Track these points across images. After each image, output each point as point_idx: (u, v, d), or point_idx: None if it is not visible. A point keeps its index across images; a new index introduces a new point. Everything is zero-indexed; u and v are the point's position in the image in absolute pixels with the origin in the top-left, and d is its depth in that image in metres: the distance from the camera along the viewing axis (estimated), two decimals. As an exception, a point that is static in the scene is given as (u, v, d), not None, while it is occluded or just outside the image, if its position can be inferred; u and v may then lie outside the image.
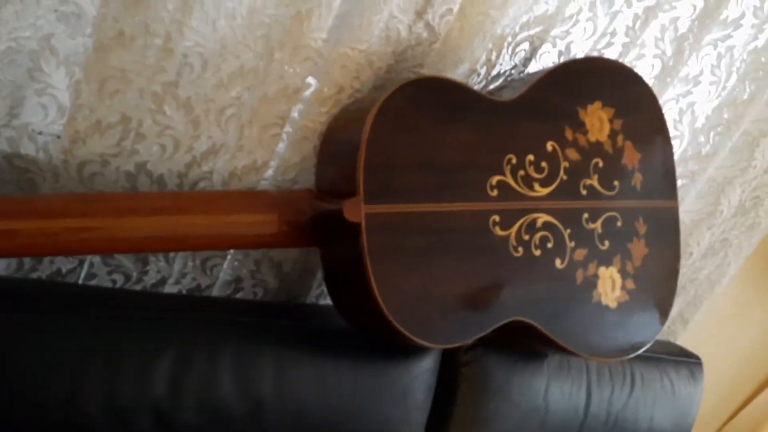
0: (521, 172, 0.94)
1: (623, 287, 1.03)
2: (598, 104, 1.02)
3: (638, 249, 1.05)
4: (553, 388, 1.11)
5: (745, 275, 1.48)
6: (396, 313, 0.83)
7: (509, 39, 1.03)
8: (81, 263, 0.92)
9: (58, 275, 0.91)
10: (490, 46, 1.01)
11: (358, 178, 0.82)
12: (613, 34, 1.11)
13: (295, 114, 0.91)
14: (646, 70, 1.14)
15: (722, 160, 1.28)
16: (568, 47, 1.09)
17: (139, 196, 0.84)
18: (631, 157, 1.05)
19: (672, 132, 1.15)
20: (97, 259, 0.92)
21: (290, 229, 0.86)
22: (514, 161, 0.93)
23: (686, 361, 1.29)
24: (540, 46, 1.07)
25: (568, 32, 1.06)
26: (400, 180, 0.85)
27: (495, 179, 0.92)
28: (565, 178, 0.98)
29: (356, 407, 0.93)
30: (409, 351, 0.99)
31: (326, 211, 0.84)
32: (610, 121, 1.03)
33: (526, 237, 0.93)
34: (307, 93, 0.90)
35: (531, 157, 0.95)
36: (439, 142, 0.88)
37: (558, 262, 0.96)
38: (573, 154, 0.99)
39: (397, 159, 0.85)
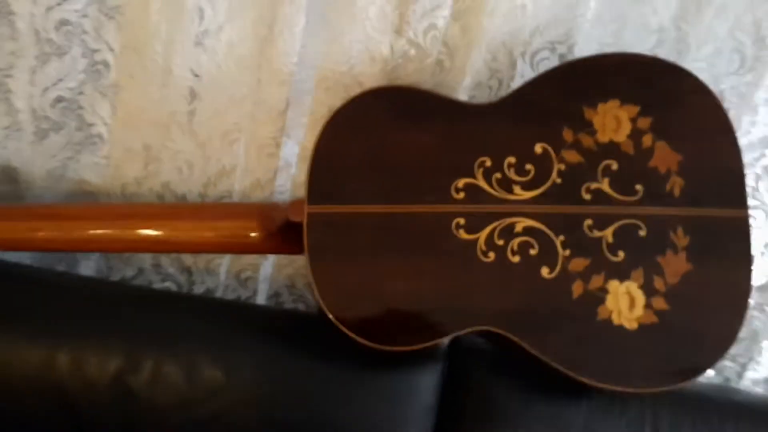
0: (497, 175, 0.90)
1: (649, 306, 0.88)
2: (614, 102, 0.93)
3: (674, 264, 0.90)
4: (596, 427, 0.97)
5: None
6: (336, 310, 0.85)
7: (520, 48, 1.00)
8: (141, 271, 1.12)
9: (125, 279, 1.12)
10: (490, 57, 1.00)
11: (306, 181, 0.89)
12: (662, 29, 1.00)
13: (288, 135, 1.01)
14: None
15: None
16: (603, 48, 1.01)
17: (139, 205, 1.02)
18: (664, 159, 0.92)
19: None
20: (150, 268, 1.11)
21: (268, 235, 0.95)
22: (488, 164, 0.90)
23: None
24: (567, 53, 1.01)
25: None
26: (348, 182, 0.89)
27: (462, 182, 0.90)
28: (558, 181, 0.90)
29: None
30: (405, 367, 0.97)
31: (286, 217, 0.92)
32: (633, 120, 0.92)
33: (500, 242, 0.88)
34: (292, 114, 0.99)
35: (511, 159, 0.91)
36: (396, 147, 0.90)
37: (545, 271, 0.88)
38: (572, 156, 0.91)
39: (347, 163, 0.89)
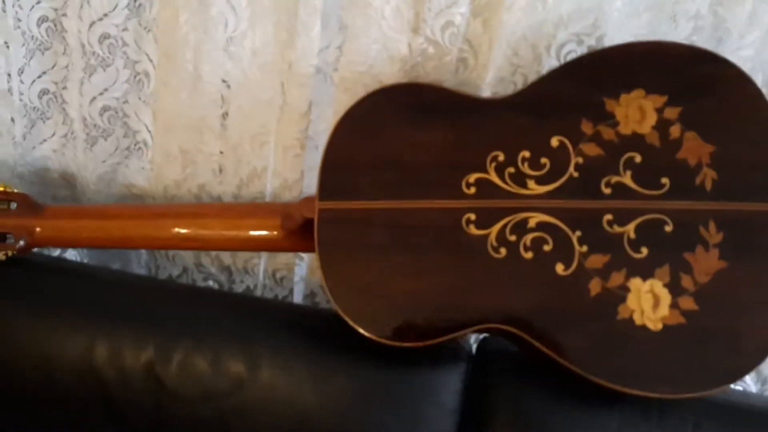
0: (510, 170, 0.88)
1: (675, 306, 0.83)
2: (639, 92, 0.88)
3: (705, 261, 0.84)
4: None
5: None
6: (342, 302, 0.86)
7: (544, 42, 0.98)
8: (186, 270, 1.18)
9: (171, 278, 1.18)
10: (511, 52, 0.98)
11: (318, 178, 0.90)
12: (699, 16, 0.95)
13: (311, 137, 1.03)
14: None
15: None
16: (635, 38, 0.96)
17: (170, 205, 1.07)
18: (694, 151, 0.87)
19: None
20: (193, 267, 1.17)
21: (289, 233, 0.97)
22: (501, 158, 0.89)
23: None
24: (596, 45, 0.98)
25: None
26: (359, 179, 0.90)
27: (473, 177, 0.88)
28: (576, 175, 0.87)
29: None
30: (428, 368, 0.96)
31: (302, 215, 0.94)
32: (659, 110, 0.88)
33: (512, 238, 0.86)
34: (315, 116, 1.02)
35: (526, 153, 0.88)
36: (407, 143, 0.90)
37: (560, 268, 0.85)
38: (591, 150, 0.88)
39: (358, 160, 0.90)
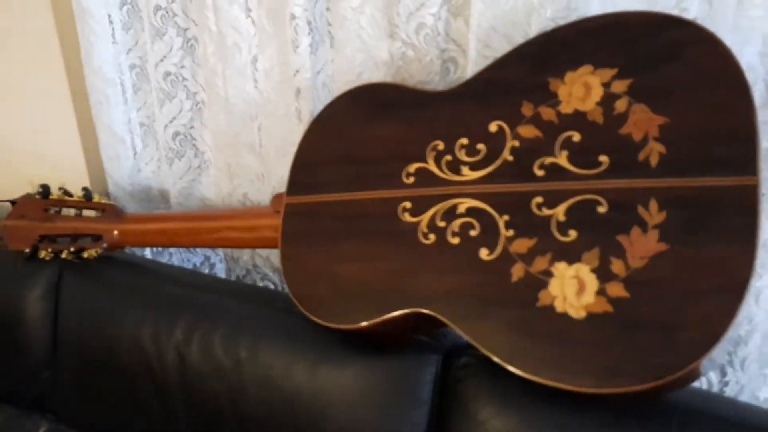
0: (447, 158, 0.89)
1: (602, 293, 0.76)
2: (586, 69, 0.84)
3: (642, 244, 0.76)
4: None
5: None
6: (295, 288, 0.95)
7: (519, 31, 0.97)
8: (248, 272, 1.35)
9: (237, 278, 1.36)
10: (482, 45, 0.98)
11: (288, 176, 1.01)
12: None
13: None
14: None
15: None
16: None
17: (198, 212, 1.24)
18: (641, 124, 0.80)
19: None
20: (252, 269, 1.33)
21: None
22: (440, 147, 0.90)
23: None
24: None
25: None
26: (320, 175, 0.98)
27: (414, 167, 0.91)
28: (510, 158, 0.85)
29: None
30: (401, 359, 0.98)
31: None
32: (606, 84, 0.83)
33: (442, 224, 0.87)
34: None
35: (464, 140, 0.89)
36: (362, 139, 0.96)
37: (484, 253, 0.83)
38: (528, 132, 0.85)
39: (321, 157, 0.99)
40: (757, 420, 0.78)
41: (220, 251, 1.40)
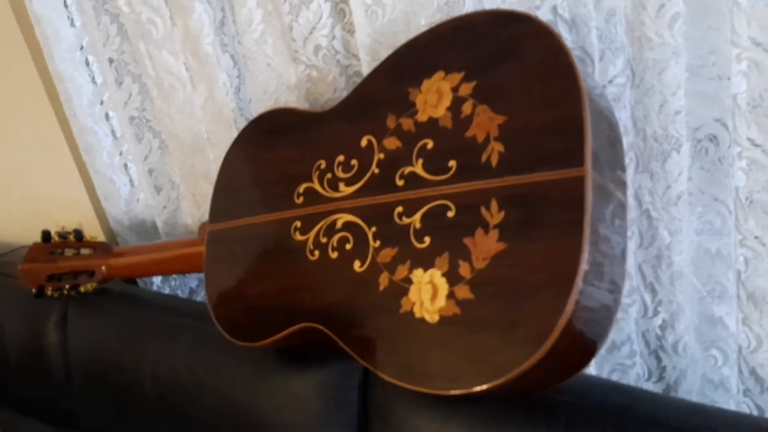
0: (328, 175, 0.94)
1: (451, 296, 0.79)
2: (438, 75, 0.87)
3: (484, 245, 0.78)
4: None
5: None
6: (216, 311, 1.02)
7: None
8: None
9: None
10: (370, 58, 1.01)
11: (210, 203, 1.09)
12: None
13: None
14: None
15: None
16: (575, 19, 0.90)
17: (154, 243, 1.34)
18: (483, 125, 0.81)
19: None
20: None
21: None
22: (323, 166, 0.95)
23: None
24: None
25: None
26: (233, 200, 1.05)
27: (303, 187, 0.96)
28: (377, 171, 0.89)
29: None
30: (328, 364, 1.03)
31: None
32: (454, 89, 0.85)
33: (324, 240, 0.92)
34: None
35: (341, 157, 0.93)
36: (265, 164, 1.03)
37: (357, 265, 0.87)
38: (391, 143, 0.89)
39: (235, 184, 1.06)
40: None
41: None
